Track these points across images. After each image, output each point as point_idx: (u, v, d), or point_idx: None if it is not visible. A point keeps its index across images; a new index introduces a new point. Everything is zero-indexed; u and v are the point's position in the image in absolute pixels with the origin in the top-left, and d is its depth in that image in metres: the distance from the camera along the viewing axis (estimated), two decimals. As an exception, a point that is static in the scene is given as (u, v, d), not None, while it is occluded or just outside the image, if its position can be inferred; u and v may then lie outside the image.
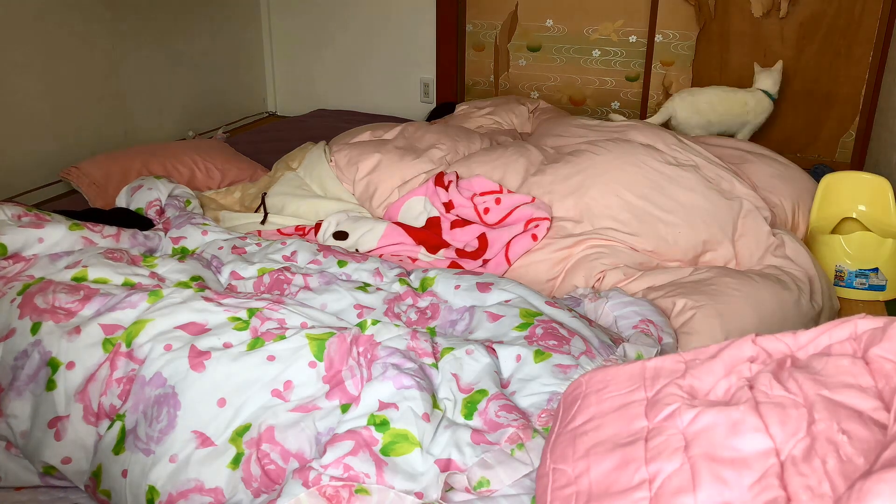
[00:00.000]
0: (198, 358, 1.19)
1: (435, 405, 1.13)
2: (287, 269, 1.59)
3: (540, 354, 1.23)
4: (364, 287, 1.54)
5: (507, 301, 1.43)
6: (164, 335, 1.24)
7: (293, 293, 1.52)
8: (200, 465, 1.09)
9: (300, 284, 1.54)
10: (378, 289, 1.54)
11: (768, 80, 2.75)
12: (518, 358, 1.23)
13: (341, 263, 1.64)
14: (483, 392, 1.16)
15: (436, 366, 1.22)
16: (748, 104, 2.72)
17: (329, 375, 1.19)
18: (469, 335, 1.37)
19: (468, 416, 1.13)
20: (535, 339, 1.28)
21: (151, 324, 1.26)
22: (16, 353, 1.25)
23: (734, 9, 2.98)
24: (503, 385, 1.22)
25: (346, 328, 1.27)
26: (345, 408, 1.15)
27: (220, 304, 1.32)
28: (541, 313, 1.37)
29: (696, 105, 2.73)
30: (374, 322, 1.29)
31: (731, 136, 2.79)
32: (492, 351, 1.26)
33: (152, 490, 1.09)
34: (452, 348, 1.24)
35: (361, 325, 1.29)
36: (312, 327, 1.28)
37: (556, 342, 1.26)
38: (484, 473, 1.03)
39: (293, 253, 1.70)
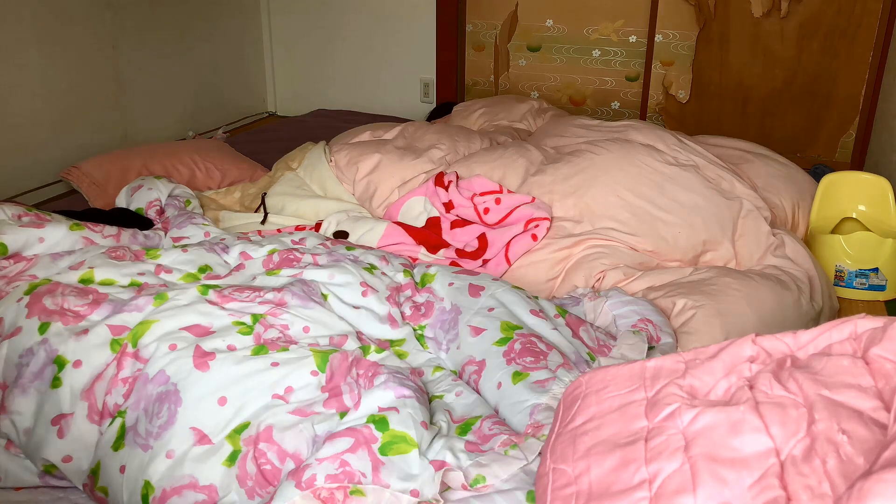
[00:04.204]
0: (202, 358, 1.20)
1: (431, 423, 1.16)
2: (296, 249, 1.61)
3: (518, 376, 1.26)
4: (371, 269, 1.55)
5: (490, 310, 1.43)
6: (170, 335, 1.25)
7: (302, 268, 1.52)
8: (196, 461, 1.09)
9: (309, 262, 1.56)
10: (383, 273, 1.57)
11: None
12: (499, 385, 1.27)
13: (349, 248, 1.67)
14: (476, 417, 1.20)
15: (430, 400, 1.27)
16: None
17: (328, 386, 1.20)
18: (457, 350, 1.39)
19: (463, 434, 1.17)
20: (513, 357, 1.30)
21: (157, 324, 1.27)
22: (21, 350, 1.26)
23: (734, 9, 2.98)
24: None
25: (348, 351, 1.29)
26: (343, 415, 1.16)
27: (225, 309, 1.34)
28: (521, 326, 1.38)
29: None
30: (379, 350, 1.33)
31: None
32: (477, 375, 1.31)
33: (147, 485, 1.09)
34: (442, 395, 1.28)
35: (364, 350, 1.31)
36: (316, 339, 1.30)
37: (532, 359, 1.29)
38: (479, 471, 1.05)
39: (301, 239, 1.71)
